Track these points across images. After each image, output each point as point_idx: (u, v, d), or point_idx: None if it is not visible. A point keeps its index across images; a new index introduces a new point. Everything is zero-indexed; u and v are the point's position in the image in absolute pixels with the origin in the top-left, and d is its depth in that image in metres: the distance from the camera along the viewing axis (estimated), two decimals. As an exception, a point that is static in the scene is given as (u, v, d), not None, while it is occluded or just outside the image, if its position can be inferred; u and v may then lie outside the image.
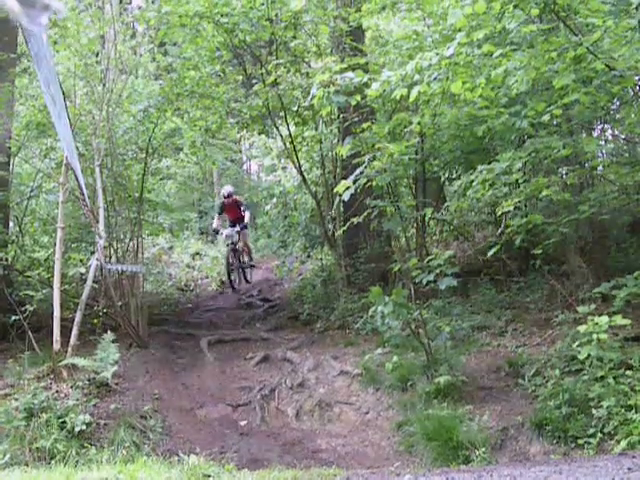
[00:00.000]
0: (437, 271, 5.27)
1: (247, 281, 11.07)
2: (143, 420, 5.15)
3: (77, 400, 5.04)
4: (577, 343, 4.53)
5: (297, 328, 8.08)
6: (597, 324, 4.33)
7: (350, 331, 7.29)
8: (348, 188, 5.19)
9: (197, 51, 7.66)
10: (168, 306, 9.98)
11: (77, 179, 5.36)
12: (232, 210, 10.65)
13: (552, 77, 4.74)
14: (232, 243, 10.35)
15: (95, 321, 6.74)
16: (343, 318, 7.61)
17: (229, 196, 10.49)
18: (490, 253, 5.61)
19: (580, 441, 4.23)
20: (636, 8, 4.57)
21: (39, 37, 3.26)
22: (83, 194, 5.53)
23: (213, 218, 11.27)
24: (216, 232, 11.04)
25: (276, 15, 7.32)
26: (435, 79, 4.79)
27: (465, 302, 7.11)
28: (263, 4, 7.01)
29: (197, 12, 7.01)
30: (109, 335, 5.76)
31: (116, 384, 5.62)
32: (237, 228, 10.40)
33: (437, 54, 4.67)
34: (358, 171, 5.19)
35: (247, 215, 10.65)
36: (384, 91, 5.30)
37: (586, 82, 4.94)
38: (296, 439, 5.12)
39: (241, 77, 8.28)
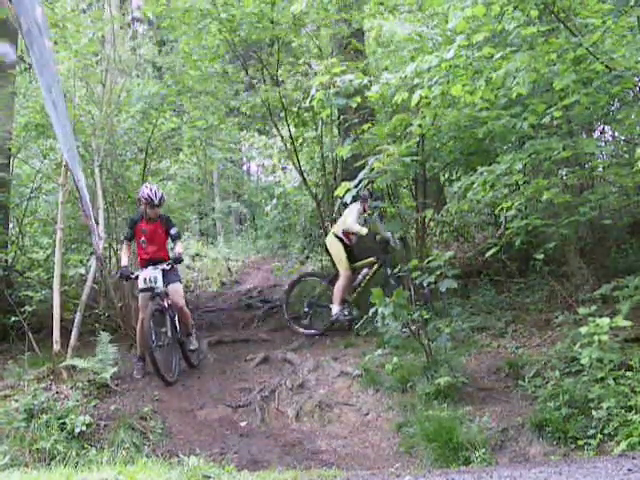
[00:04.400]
0: (437, 273, 5.28)
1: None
2: (143, 421, 5.14)
3: (77, 401, 5.04)
4: (578, 345, 4.53)
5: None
6: (598, 325, 4.33)
7: (350, 332, 7.29)
8: (348, 190, 5.20)
9: (198, 48, 7.65)
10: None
11: (76, 184, 5.34)
12: (154, 234, 6.25)
13: (552, 78, 4.75)
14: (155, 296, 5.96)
15: (96, 325, 6.72)
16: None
17: (155, 204, 6.07)
18: (489, 254, 5.62)
19: (580, 442, 4.23)
20: (634, 5, 4.57)
21: (42, 43, 3.26)
22: (83, 199, 5.50)
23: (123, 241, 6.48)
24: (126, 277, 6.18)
25: (277, 16, 7.31)
26: (436, 83, 4.80)
27: (465, 303, 7.10)
28: (267, 3, 7.01)
29: (200, 9, 7.01)
30: (107, 335, 5.76)
31: (116, 385, 5.62)
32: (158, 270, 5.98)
33: (437, 57, 4.69)
34: (361, 175, 5.20)
35: (178, 245, 6.30)
36: (383, 94, 5.32)
37: (586, 83, 4.95)
38: (296, 440, 5.11)
39: (242, 81, 8.29)
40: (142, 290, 5.95)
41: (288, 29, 7.38)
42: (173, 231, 6.21)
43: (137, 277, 5.96)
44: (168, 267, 6.02)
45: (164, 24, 7.81)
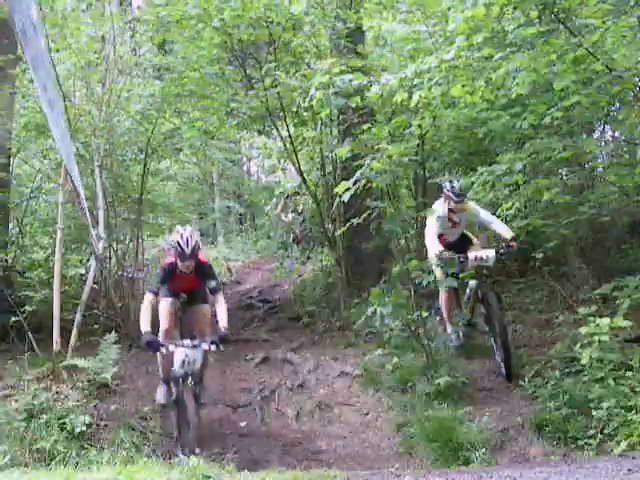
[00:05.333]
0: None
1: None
2: (143, 421, 5.16)
3: (77, 401, 5.06)
4: (578, 345, 4.54)
5: (297, 329, 8.07)
6: (598, 326, 4.34)
7: (350, 332, 7.28)
8: (348, 189, 5.21)
9: (195, 52, 7.66)
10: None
11: (74, 184, 5.36)
12: (187, 283, 5.10)
13: (552, 79, 4.75)
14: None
15: (95, 325, 6.72)
16: (343, 319, 7.61)
17: (186, 254, 4.74)
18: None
19: (580, 442, 4.23)
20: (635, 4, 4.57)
21: (36, 43, 3.26)
22: (80, 199, 5.53)
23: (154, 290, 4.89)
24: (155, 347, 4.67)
25: (275, 16, 7.31)
26: (436, 83, 4.81)
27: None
28: (263, 6, 7.02)
29: (194, 16, 7.02)
30: (109, 336, 5.77)
31: (116, 385, 5.62)
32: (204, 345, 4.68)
33: (437, 57, 4.69)
34: (358, 173, 5.21)
35: (221, 300, 4.93)
36: (382, 95, 5.32)
37: (586, 83, 4.95)
38: (296, 440, 5.12)
39: (240, 77, 8.28)
40: (176, 375, 4.70)
41: (284, 29, 7.36)
42: (212, 284, 4.95)
43: (169, 349, 4.63)
44: (213, 348, 4.67)
45: (160, 36, 7.85)
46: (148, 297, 4.76)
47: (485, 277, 5.67)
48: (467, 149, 7.03)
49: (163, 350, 4.61)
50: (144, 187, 7.94)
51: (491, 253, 5.37)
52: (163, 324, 4.97)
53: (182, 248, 4.71)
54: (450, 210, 5.61)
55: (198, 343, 4.67)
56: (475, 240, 5.93)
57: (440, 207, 5.65)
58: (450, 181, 5.62)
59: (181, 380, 4.72)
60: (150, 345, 4.58)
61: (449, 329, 5.96)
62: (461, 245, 5.77)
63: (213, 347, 4.65)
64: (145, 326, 4.58)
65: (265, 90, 7.18)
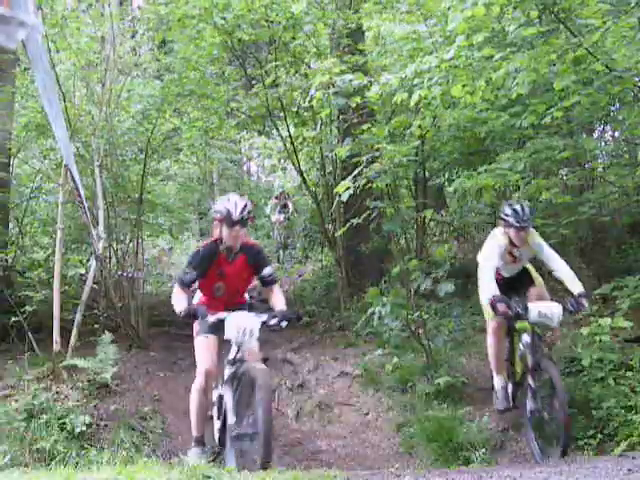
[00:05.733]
0: (439, 273, 5.28)
1: None
2: (143, 421, 5.15)
3: (77, 401, 5.05)
4: (579, 345, 4.54)
5: (297, 329, 8.05)
6: (600, 326, 4.34)
7: (350, 332, 7.28)
8: (348, 188, 5.21)
9: (196, 52, 7.67)
10: (168, 307, 9.90)
11: (75, 182, 5.35)
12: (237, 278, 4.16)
13: (552, 79, 4.75)
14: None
15: (96, 325, 6.71)
16: (343, 319, 7.61)
17: (233, 219, 3.86)
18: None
19: (580, 442, 4.24)
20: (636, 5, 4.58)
21: (35, 39, 3.26)
22: (81, 197, 5.52)
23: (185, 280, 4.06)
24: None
25: (276, 15, 7.31)
26: (435, 83, 4.81)
27: (465, 303, 7.09)
28: (264, 6, 7.03)
29: (195, 15, 7.03)
30: (109, 336, 5.76)
31: (116, 385, 5.61)
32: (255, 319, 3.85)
33: (437, 57, 4.69)
34: (356, 171, 5.22)
35: (280, 297, 4.15)
36: (382, 95, 5.33)
37: (586, 83, 4.95)
38: (296, 440, 5.12)
39: (241, 77, 8.29)
40: (231, 356, 3.85)
41: (285, 29, 7.36)
42: (267, 272, 4.09)
43: (219, 320, 3.79)
44: (274, 322, 3.84)
45: (160, 35, 7.87)
46: (178, 287, 4.00)
47: (539, 338, 4.36)
48: (467, 149, 7.03)
49: (211, 319, 3.74)
50: (144, 187, 7.93)
51: (557, 310, 4.17)
52: (203, 363, 3.98)
53: (229, 212, 3.82)
54: (511, 242, 4.47)
55: (258, 314, 3.87)
56: (539, 280, 4.82)
57: (500, 238, 4.48)
58: (510, 204, 4.47)
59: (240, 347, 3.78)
60: (191, 314, 3.76)
61: (496, 383, 4.73)
62: (520, 283, 4.72)
63: (273, 321, 3.81)
64: (182, 306, 3.85)
65: (265, 90, 7.19)
